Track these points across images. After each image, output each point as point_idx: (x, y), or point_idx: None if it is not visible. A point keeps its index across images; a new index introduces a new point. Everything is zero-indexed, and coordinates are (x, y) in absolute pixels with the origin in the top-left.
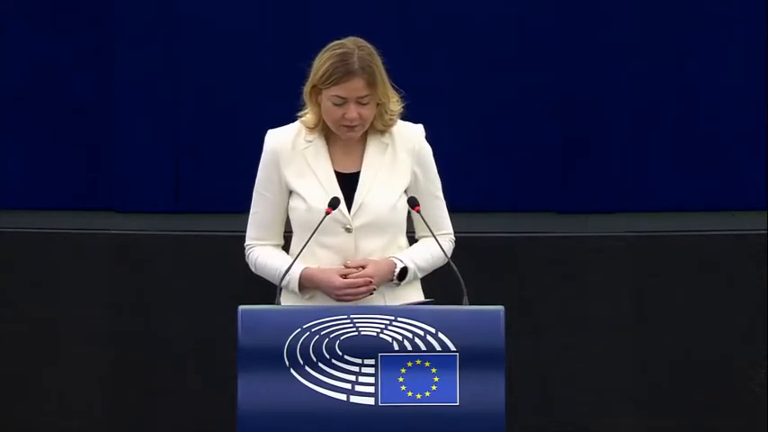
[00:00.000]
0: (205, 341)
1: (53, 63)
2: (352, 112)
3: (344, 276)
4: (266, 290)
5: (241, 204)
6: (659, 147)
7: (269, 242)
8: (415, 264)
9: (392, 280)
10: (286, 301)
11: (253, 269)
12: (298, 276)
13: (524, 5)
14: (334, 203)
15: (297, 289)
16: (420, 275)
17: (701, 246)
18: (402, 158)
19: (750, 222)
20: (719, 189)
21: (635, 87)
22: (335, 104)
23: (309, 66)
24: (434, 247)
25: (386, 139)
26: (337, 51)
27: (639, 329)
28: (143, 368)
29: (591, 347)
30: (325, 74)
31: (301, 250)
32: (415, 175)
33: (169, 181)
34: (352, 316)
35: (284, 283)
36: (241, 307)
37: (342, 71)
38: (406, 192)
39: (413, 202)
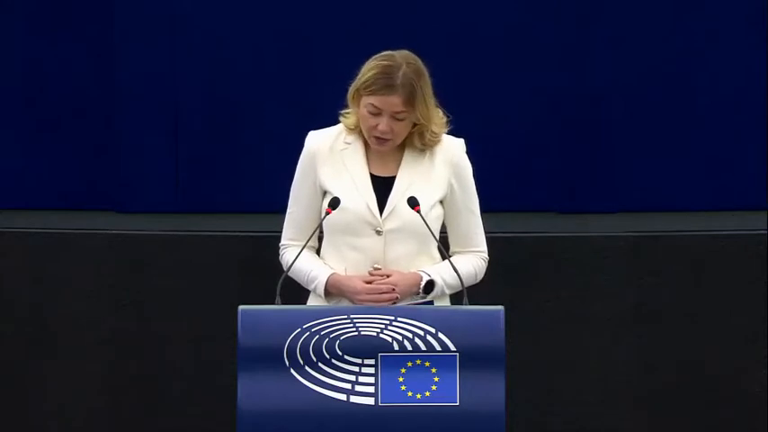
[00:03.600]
0: (205, 341)
1: (54, 63)
2: (385, 125)
3: (369, 283)
4: (266, 290)
5: (241, 205)
6: (659, 147)
7: (303, 243)
8: (443, 279)
9: (418, 293)
10: (314, 303)
11: (285, 270)
12: (324, 282)
13: (524, 7)
14: (334, 203)
15: (323, 294)
16: (448, 291)
17: (701, 246)
18: (439, 169)
19: (750, 222)
20: (719, 189)
21: (635, 88)
22: (371, 113)
23: (359, 68)
24: (467, 265)
25: (425, 148)
26: (383, 62)
27: (639, 329)
28: (143, 368)
29: (591, 347)
30: (366, 81)
31: (303, 246)
32: (451, 187)
33: (169, 181)
34: (352, 316)
35: (312, 287)
36: (241, 307)
37: (381, 83)
38: (441, 203)
39: (412, 202)
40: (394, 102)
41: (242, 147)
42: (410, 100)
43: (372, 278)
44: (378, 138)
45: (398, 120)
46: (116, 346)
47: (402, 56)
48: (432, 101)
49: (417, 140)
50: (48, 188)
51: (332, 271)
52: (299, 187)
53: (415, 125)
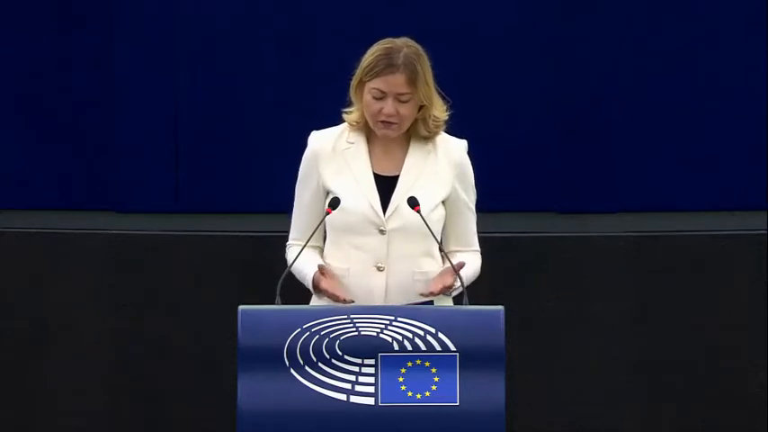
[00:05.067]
0: (205, 341)
1: (53, 63)
2: (390, 107)
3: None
4: (266, 290)
5: (241, 204)
6: (659, 147)
7: (308, 243)
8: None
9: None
10: (317, 303)
11: (288, 268)
12: (311, 280)
13: (525, 7)
14: (334, 203)
15: (313, 290)
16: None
17: (701, 246)
18: (443, 169)
19: (750, 222)
20: (719, 189)
21: (635, 88)
22: (375, 98)
23: (359, 62)
24: (476, 265)
25: (429, 147)
26: (384, 46)
27: (639, 329)
28: (143, 368)
29: (591, 347)
30: (368, 66)
31: (303, 247)
32: (454, 187)
33: (169, 181)
34: (352, 316)
35: (306, 285)
36: (241, 307)
37: (384, 64)
38: (443, 203)
39: (412, 202)
40: (397, 81)
41: (242, 147)
42: (412, 79)
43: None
44: (384, 122)
45: (402, 101)
46: (116, 346)
47: (401, 40)
48: (432, 83)
49: (422, 127)
50: (48, 188)
51: (315, 269)
52: (302, 187)
53: (419, 109)
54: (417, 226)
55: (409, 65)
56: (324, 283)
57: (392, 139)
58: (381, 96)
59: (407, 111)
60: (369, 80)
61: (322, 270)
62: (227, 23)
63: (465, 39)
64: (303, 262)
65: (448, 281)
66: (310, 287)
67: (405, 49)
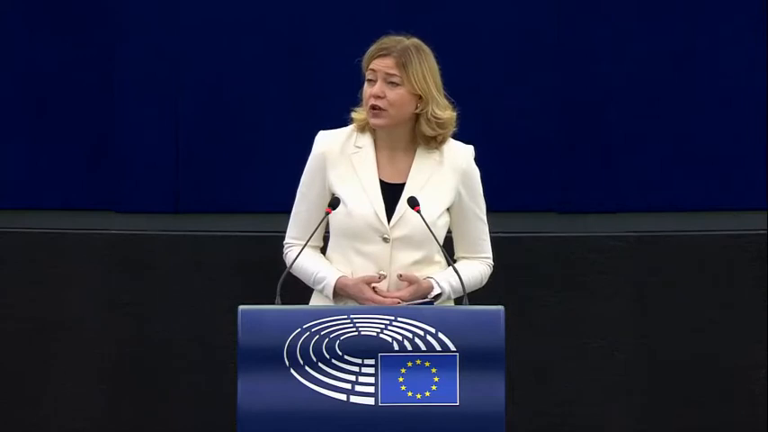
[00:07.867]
0: (205, 341)
1: (54, 63)
2: (377, 88)
3: (369, 283)
4: (266, 290)
5: (241, 204)
6: (659, 147)
7: (308, 243)
8: (451, 286)
9: (425, 297)
10: (317, 302)
11: (288, 267)
12: (332, 286)
13: (525, 7)
14: (333, 204)
15: (331, 296)
16: (453, 296)
17: (701, 246)
18: (448, 176)
19: (750, 222)
20: (719, 189)
21: (635, 88)
22: (369, 80)
23: (360, 68)
24: (474, 271)
25: (435, 155)
26: (386, 36)
27: (639, 329)
28: (143, 368)
29: (591, 347)
30: (368, 54)
31: (303, 246)
32: (459, 194)
33: (169, 181)
34: (352, 316)
35: (319, 288)
36: (241, 307)
37: (378, 47)
38: (448, 210)
39: (412, 202)
40: (387, 63)
41: (242, 147)
42: (402, 63)
43: (372, 278)
44: (373, 108)
45: (391, 84)
46: (116, 346)
47: (407, 36)
48: (432, 80)
49: (425, 125)
50: (48, 188)
51: (339, 274)
52: (307, 187)
53: (418, 105)
54: (421, 235)
55: (402, 50)
56: (369, 294)
57: (399, 145)
58: (374, 78)
59: (396, 96)
60: (366, 66)
61: (370, 282)
62: (227, 24)
63: (465, 39)
64: (316, 264)
65: (404, 293)
66: (329, 292)
67: (405, 41)
